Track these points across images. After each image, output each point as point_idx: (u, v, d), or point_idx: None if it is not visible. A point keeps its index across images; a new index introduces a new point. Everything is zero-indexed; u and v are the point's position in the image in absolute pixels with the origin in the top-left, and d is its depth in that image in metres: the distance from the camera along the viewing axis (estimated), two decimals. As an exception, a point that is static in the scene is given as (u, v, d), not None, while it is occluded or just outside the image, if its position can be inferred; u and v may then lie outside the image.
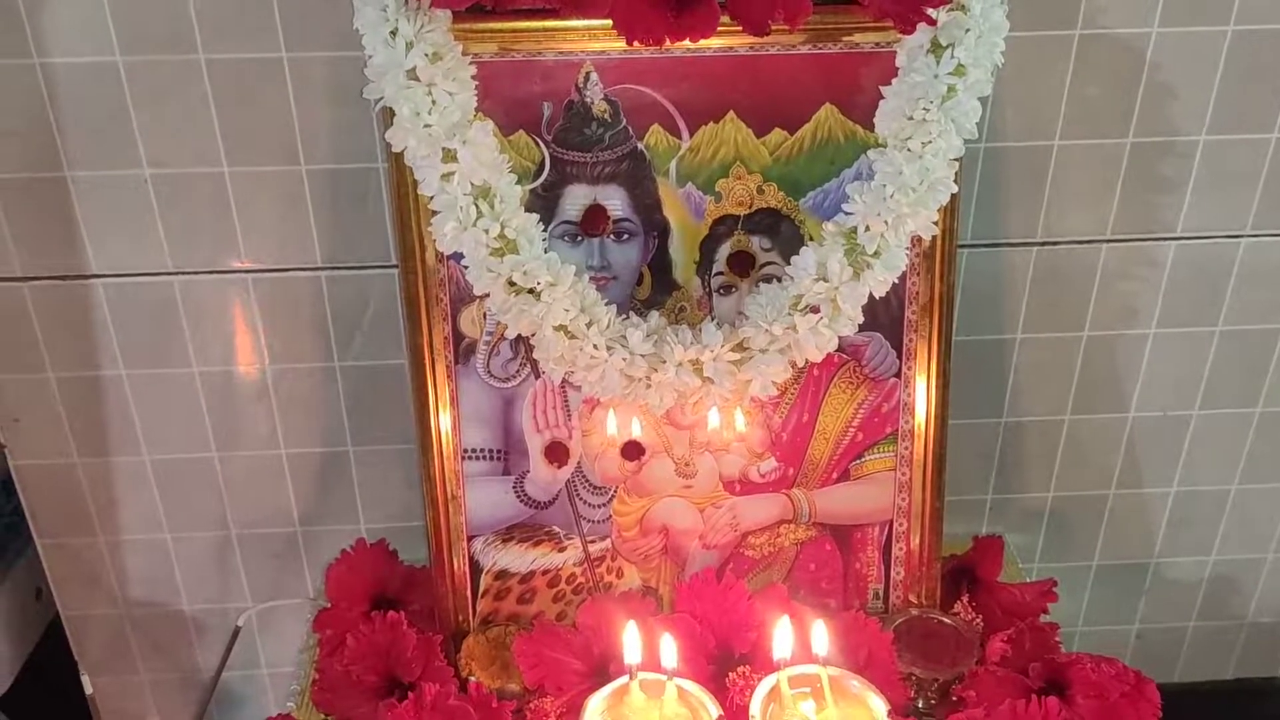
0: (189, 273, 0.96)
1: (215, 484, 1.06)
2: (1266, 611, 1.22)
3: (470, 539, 0.96)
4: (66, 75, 0.88)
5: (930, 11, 0.79)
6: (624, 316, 0.87)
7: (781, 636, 0.82)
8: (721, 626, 0.91)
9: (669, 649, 0.82)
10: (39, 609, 1.16)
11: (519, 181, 0.85)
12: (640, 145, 0.86)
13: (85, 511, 1.06)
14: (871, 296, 0.85)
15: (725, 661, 0.90)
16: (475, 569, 0.97)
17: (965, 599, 1.00)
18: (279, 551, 1.10)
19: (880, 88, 0.84)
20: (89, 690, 1.15)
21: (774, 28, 0.78)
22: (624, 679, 0.83)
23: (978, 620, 0.98)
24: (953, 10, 0.80)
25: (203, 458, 1.04)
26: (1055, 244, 1.00)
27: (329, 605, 0.96)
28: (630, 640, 0.83)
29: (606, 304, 0.86)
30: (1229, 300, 1.03)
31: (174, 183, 0.92)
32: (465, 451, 0.93)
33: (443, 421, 0.91)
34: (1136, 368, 1.07)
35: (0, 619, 1.10)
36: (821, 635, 0.80)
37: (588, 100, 0.85)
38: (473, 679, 0.92)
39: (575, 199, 0.88)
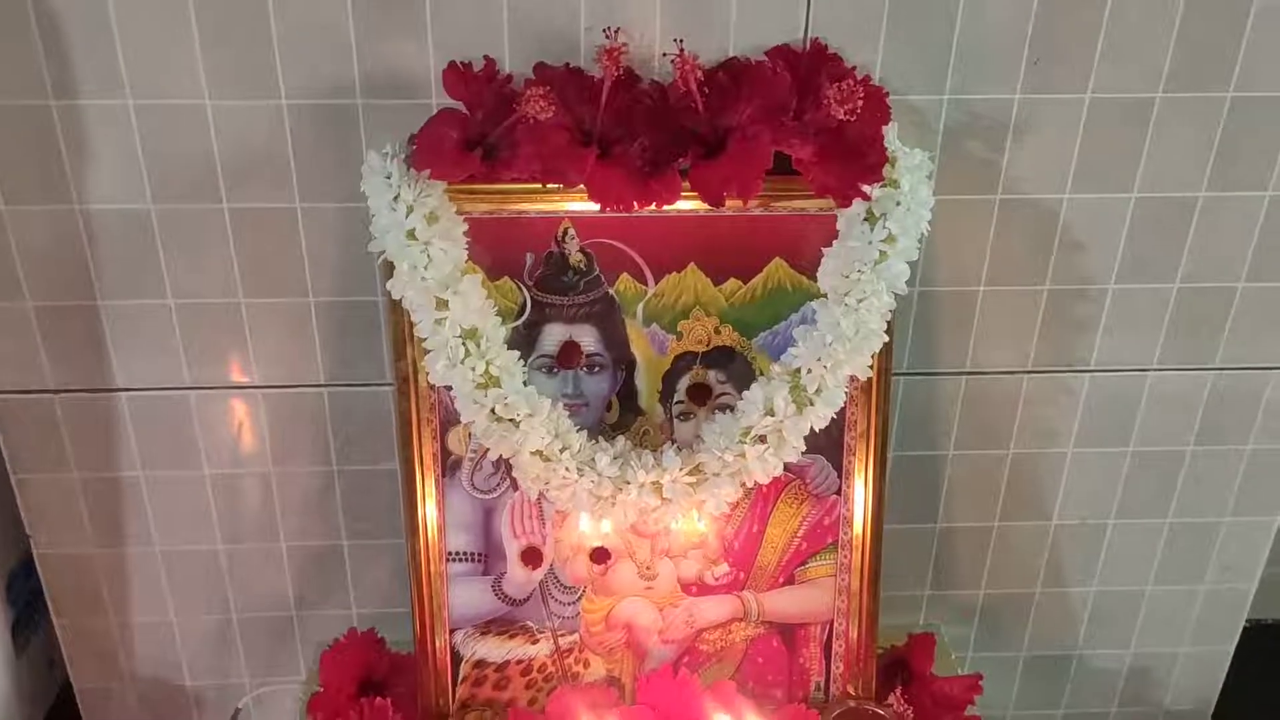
0: (204, 388, 1.05)
1: (219, 572, 1.14)
2: (1182, 700, 1.30)
3: (452, 631, 1.04)
4: (102, 219, 0.96)
5: (865, 187, 0.91)
6: (594, 440, 0.97)
7: (724, 736, 0.92)
8: (677, 718, 1.01)
9: (627, 743, 0.92)
10: (51, 678, 1.25)
11: (503, 321, 0.96)
12: (611, 291, 0.97)
13: (100, 595, 1.14)
14: (813, 427, 0.97)
15: (679, 751, 0.99)
16: (456, 658, 1.05)
17: (899, 691, 1.09)
18: (276, 633, 1.18)
19: (822, 248, 0.95)
20: (97, 757, 1.24)
21: (728, 199, 0.90)
22: (587, 768, 0.93)
23: (909, 712, 1.08)
24: (885, 186, 0.91)
25: (209, 549, 1.12)
26: (982, 374, 1.09)
27: (321, 689, 1.04)
28: (592, 735, 0.92)
29: (578, 430, 0.96)
30: (1138, 425, 1.13)
31: (195, 310, 1.01)
32: (449, 554, 1.02)
33: (430, 527, 1.00)
34: (1057, 482, 1.16)
35: (20, 687, 1.18)
36: (759, 735, 0.90)
37: (566, 252, 0.96)
38: (451, 761, 1.02)
39: (552, 336, 0.98)
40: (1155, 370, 1.11)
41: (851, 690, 1.08)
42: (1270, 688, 1.37)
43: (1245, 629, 1.28)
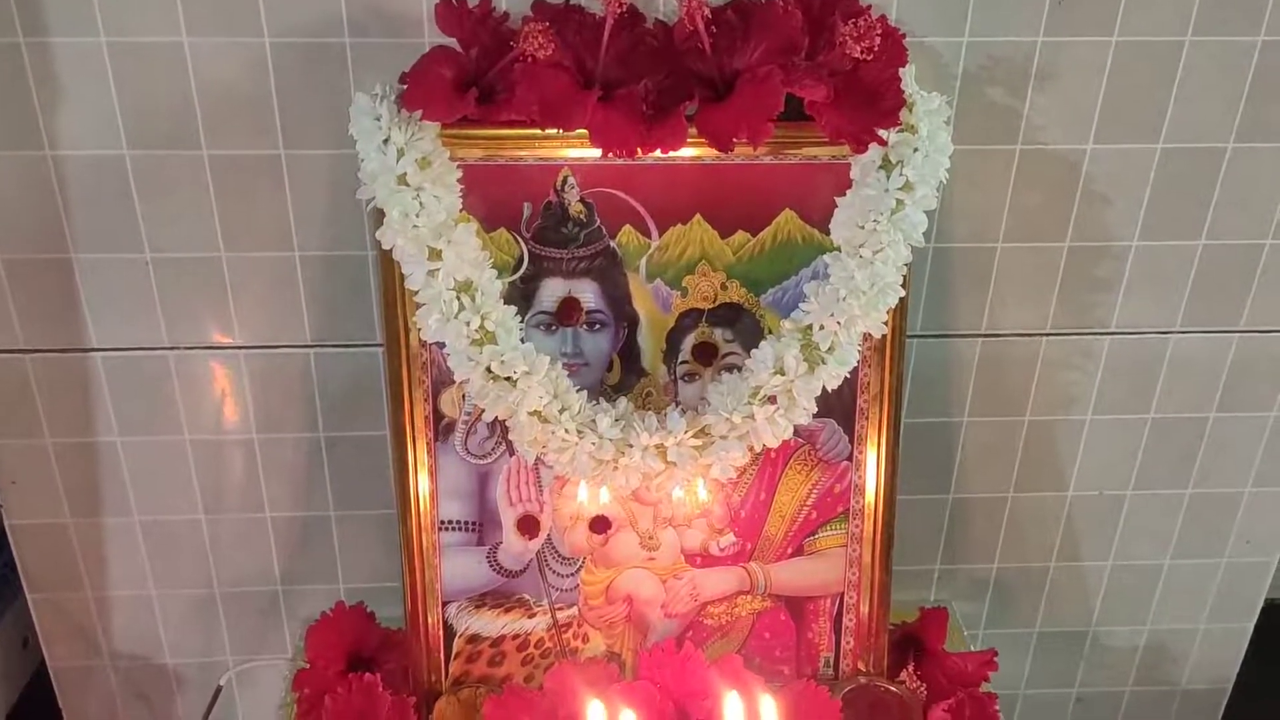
0: (184, 348, 1.01)
1: (201, 544, 1.10)
2: (1199, 679, 1.27)
3: (445, 605, 1.01)
4: (75, 166, 0.92)
5: (881, 132, 0.86)
6: (594, 402, 0.93)
7: (732, 709, 0.87)
8: (680, 694, 0.96)
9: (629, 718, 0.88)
10: (25, 657, 1.21)
11: (499, 275, 0.91)
12: (613, 244, 0.92)
13: (75, 569, 1.10)
14: (825, 388, 0.92)
15: (683, 727, 0.95)
16: (449, 633, 1.02)
17: (911, 667, 1.05)
18: (261, 609, 1.14)
19: (835, 198, 0.91)
20: (73, 739, 1.20)
21: (737, 144, 0.85)
22: (587, 744, 0.88)
23: (922, 688, 1.04)
24: (902, 131, 0.87)
25: (190, 520, 1.09)
26: (998, 336, 1.06)
27: (308, 665, 1.01)
28: (593, 713, 0.88)
29: (578, 390, 0.92)
30: (1160, 391, 1.09)
31: (173, 266, 0.97)
32: (442, 523, 0.98)
33: (422, 495, 0.97)
34: (1074, 450, 1.12)
35: (-10, 667, 1.15)
36: (770, 709, 0.86)
37: (565, 202, 0.91)
38: (444, 739, 0.98)
39: (551, 291, 0.93)
40: (1178, 333, 1.07)
41: (862, 666, 1.05)
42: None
43: (1264, 607, 1.25)
